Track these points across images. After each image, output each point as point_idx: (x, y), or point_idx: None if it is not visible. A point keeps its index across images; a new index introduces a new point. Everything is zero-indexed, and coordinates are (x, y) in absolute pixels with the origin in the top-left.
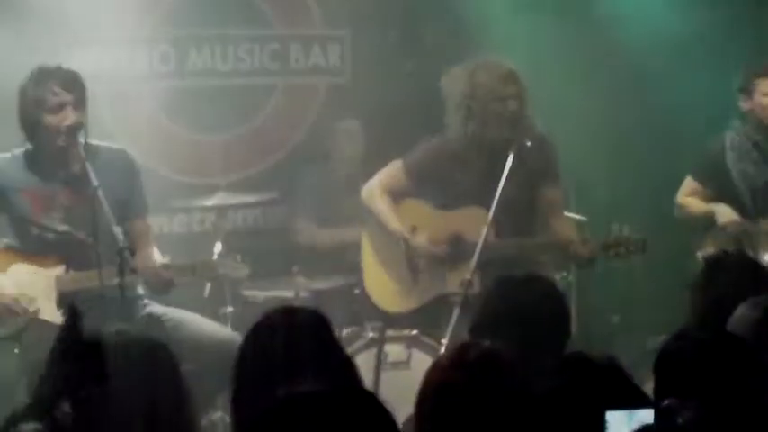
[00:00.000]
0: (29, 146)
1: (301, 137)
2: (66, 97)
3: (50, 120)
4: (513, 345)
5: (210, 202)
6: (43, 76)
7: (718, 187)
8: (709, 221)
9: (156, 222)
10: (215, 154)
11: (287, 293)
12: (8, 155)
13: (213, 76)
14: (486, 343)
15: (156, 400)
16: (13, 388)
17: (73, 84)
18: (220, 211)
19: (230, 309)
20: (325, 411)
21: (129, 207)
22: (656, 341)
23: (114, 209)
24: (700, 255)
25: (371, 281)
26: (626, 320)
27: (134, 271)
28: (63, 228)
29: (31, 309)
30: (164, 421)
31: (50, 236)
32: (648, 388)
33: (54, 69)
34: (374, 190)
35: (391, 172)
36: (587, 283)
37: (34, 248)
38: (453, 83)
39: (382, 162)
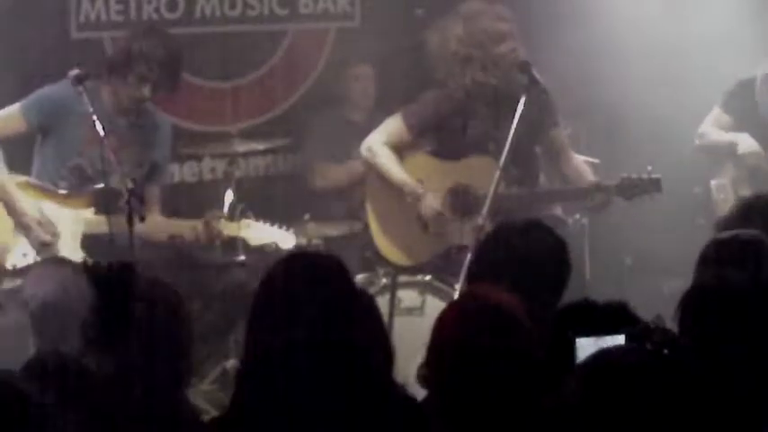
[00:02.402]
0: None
1: (311, 83)
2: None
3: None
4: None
5: (221, 149)
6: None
7: (744, 117)
8: (730, 151)
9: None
10: (225, 101)
11: (299, 241)
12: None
13: (222, 23)
14: (494, 288)
15: (156, 345)
16: (25, 341)
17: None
18: (231, 158)
19: (242, 257)
20: (316, 362)
21: (156, 171)
22: (673, 287)
23: (146, 167)
24: (713, 183)
25: (378, 237)
26: (640, 263)
27: (142, 219)
28: (99, 166)
29: (53, 238)
30: (161, 362)
31: (90, 171)
32: None
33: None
34: (375, 145)
35: (391, 127)
36: (601, 225)
37: (66, 185)
38: (445, 34)
39: (393, 106)
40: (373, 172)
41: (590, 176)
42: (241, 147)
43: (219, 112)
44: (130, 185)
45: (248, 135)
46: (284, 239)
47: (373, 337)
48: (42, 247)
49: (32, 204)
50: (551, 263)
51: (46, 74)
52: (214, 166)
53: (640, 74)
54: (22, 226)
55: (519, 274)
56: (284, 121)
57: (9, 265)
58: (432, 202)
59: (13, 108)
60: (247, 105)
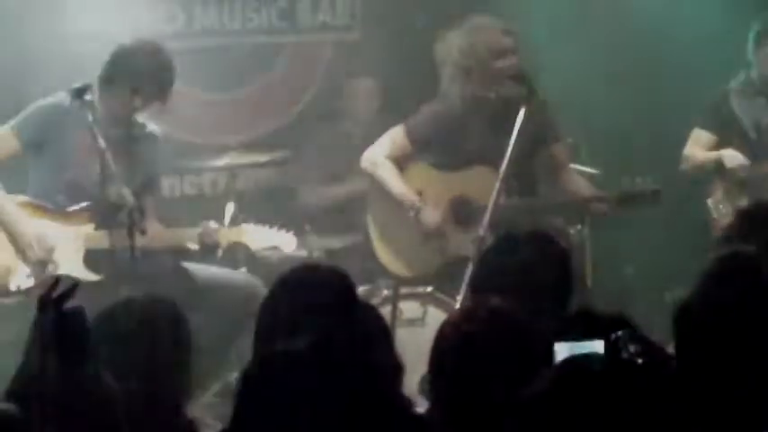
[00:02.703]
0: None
1: (311, 95)
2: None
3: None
4: (512, 301)
5: (221, 162)
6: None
7: (725, 131)
8: (718, 168)
9: (167, 184)
10: (225, 114)
11: (300, 253)
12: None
13: (221, 36)
14: (495, 299)
15: (155, 359)
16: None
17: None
18: (232, 171)
19: (244, 269)
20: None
21: (151, 183)
22: (674, 295)
23: (142, 181)
24: (710, 202)
25: (379, 249)
26: (642, 273)
27: (143, 232)
28: (95, 178)
29: (50, 257)
30: (160, 379)
31: (86, 183)
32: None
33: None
34: (376, 158)
35: (393, 138)
36: (602, 235)
37: (63, 198)
38: (449, 46)
39: (394, 119)
40: (374, 184)
41: (588, 193)
42: (242, 159)
43: (219, 125)
44: (131, 199)
45: (249, 148)
46: (286, 243)
47: (379, 350)
48: (38, 265)
49: (32, 223)
50: (554, 273)
51: (41, 85)
52: (214, 178)
53: (641, 84)
54: (18, 247)
55: (522, 285)
56: (285, 133)
57: (13, 287)
58: (431, 214)
59: (4, 129)
60: (248, 118)
